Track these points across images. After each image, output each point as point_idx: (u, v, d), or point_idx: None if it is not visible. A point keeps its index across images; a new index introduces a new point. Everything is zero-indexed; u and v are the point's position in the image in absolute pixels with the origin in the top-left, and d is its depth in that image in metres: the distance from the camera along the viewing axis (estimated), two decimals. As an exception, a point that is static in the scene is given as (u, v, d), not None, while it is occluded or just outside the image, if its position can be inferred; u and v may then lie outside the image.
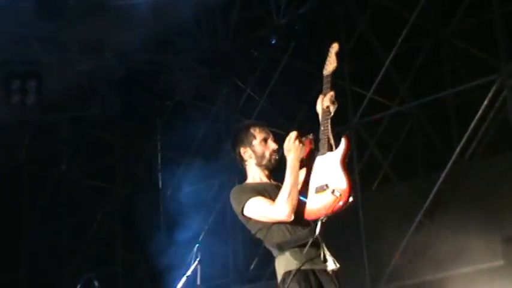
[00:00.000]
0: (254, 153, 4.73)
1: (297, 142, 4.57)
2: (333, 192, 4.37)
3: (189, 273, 7.65)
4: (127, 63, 11.36)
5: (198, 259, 7.77)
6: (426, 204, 10.38)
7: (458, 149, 10.44)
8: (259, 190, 4.61)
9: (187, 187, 13.93)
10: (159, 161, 14.69)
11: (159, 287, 13.68)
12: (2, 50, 10.89)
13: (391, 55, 11.07)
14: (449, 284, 9.83)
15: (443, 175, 10.28)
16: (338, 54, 4.67)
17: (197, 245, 8.16)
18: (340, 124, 9.50)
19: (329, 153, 4.53)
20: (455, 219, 10.12)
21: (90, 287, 7.61)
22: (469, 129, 10.35)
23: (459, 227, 9.95)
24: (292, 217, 4.45)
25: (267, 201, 4.52)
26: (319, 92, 4.67)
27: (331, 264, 4.51)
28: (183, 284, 7.57)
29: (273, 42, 12.37)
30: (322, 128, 4.57)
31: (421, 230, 10.45)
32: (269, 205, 4.50)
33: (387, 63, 11.06)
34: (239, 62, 12.88)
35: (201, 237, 12.73)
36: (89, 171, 13.99)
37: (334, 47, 4.69)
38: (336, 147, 4.53)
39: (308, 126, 5.42)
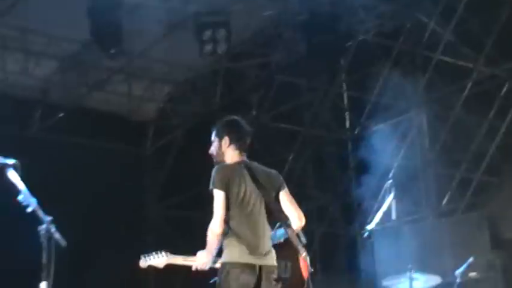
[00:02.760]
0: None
1: None
2: None
3: (384, 208, 7.64)
4: (310, 6, 11.33)
5: (391, 194, 7.74)
6: None
7: None
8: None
9: (374, 125, 13.88)
10: (345, 101, 14.69)
11: (352, 223, 13.83)
12: (193, 1, 11.19)
13: None
14: None
15: None
16: None
17: (390, 181, 8.12)
18: None
19: None
20: None
21: (284, 226, 7.71)
22: None
23: None
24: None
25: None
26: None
27: None
28: (379, 219, 7.57)
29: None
30: None
31: None
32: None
33: None
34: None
35: (391, 174, 12.64)
36: (278, 114, 14.17)
37: None
38: None
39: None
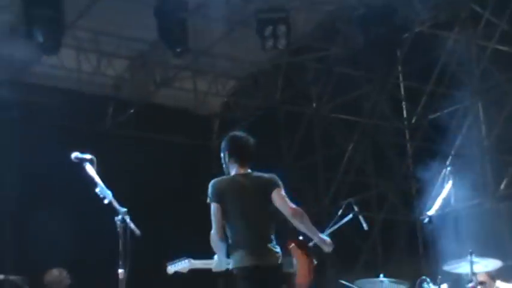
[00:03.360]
0: None
1: None
2: None
3: (443, 195, 7.53)
4: (367, 0, 11.23)
5: (450, 181, 7.63)
6: None
7: None
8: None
9: (431, 114, 13.71)
10: (402, 91, 14.54)
11: (411, 209, 13.68)
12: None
13: None
14: None
15: None
16: None
17: (448, 168, 8.02)
18: None
19: None
20: None
21: (350, 212, 7.68)
22: None
23: None
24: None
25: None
26: None
27: None
28: (439, 205, 7.46)
29: None
30: None
31: None
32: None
33: None
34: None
35: (448, 161, 12.48)
36: (337, 106, 14.10)
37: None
38: None
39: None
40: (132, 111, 13.18)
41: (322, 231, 7.34)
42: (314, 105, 14.23)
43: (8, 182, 11.60)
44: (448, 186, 7.52)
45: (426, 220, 7.28)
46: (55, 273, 8.46)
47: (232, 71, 13.46)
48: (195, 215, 12.78)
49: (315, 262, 5.90)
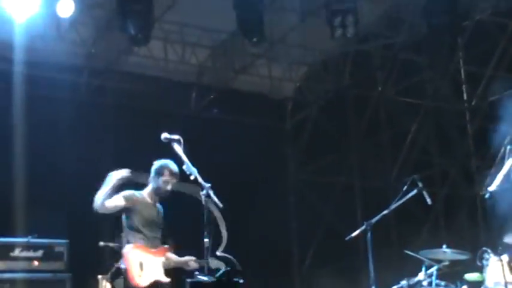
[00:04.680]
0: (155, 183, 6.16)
1: None
2: None
3: (504, 171, 7.33)
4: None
5: (510, 159, 7.41)
6: None
7: None
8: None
9: (490, 96, 13.38)
10: (463, 75, 14.23)
11: (472, 185, 13.40)
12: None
13: None
14: None
15: None
16: None
17: (508, 146, 7.78)
18: None
19: None
20: None
21: (414, 187, 7.52)
22: None
23: None
24: None
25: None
26: None
27: None
28: (499, 181, 7.26)
29: None
30: None
31: None
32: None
33: None
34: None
35: (507, 140, 12.13)
36: (402, 89, 13.89)
37: None
38: None
39: None
40: (212, 96, 13.27)
41: (389, 206, 7.26)
42: (380, 88, 14.03)
43: (103, 161, 11.84)
44: (509, 163, 7.31)
45: (487, 195, 7.11)
46: None
47: (304, 58, 13.37)
48: (271, 188, 12.89)
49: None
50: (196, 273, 5.30)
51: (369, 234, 6.94)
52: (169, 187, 6.03)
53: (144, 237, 5.93)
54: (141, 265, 5.80)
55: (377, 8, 12.12)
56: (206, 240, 4.99)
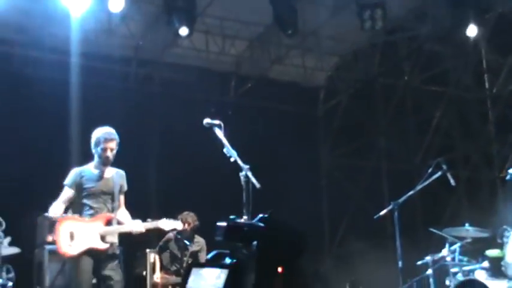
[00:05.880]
0: (97, 154, 6.06)
1: None
2: None
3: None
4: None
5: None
6: None
7: None
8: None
9: (510, 85, 13.14)
10: (484, 65, 13.98)
11: (493, 168, 13.22)
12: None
13: None
14: None
15: None
16: None
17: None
18: None
19: None
20: None
21: (439, 170, 7.39)
22: None
23: None
24: None
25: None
26: None
27: None
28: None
29: None
30: None
31: None
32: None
33: None
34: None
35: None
36: (427, 78, 13.72)
37: None
38: None
39: None
40: (250, 84, 13.25)
41: (414, 187, 7.17)
42: (406, 78, 13.87)
43: (149, 145, 11.94)
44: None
45: (508, 177, 6.98)
46: (190, 214, 8.70)
47: (335, 49, 13.25)
48: (304, 171, 12.84)
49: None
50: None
51: (395, 213, 6.87)
52: (108, 153, 5.99)
53: (89, 209, 5.87)
54: (71, 235, 5.73)
55: (404, 2, 11.94)
56: (245, 217, 4.98)
